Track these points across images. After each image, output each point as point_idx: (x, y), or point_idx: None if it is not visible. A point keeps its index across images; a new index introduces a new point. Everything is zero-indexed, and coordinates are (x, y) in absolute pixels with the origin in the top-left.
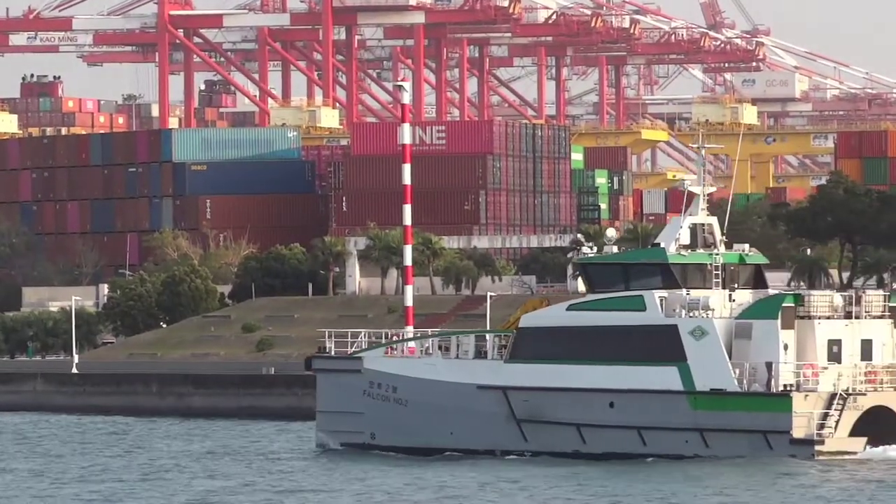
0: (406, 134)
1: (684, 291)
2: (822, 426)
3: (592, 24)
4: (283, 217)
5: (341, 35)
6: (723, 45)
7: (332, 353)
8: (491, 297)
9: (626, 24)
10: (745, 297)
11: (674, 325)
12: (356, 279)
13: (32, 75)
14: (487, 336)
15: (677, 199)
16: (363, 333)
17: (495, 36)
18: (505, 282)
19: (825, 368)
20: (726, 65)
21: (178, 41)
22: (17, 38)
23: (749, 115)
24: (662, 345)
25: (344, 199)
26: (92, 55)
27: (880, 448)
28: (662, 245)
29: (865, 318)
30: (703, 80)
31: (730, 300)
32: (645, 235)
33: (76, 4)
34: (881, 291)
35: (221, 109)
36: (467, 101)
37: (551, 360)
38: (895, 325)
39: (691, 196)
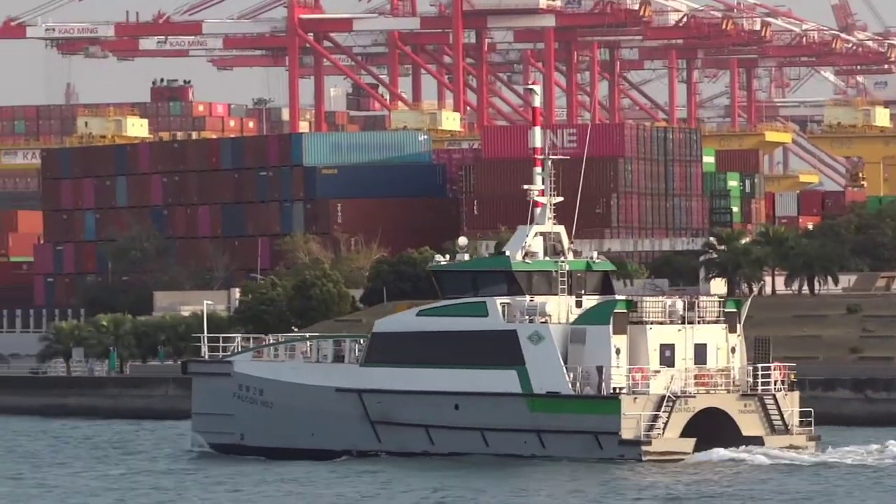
0: (537, 137)
1: (528, 298)
2: (650, 427)
3: (723, 27)
4: (414, 221)
5: (471, 38)
6: (854, 48)
7: (206, 356)
8: None
9: (757, 27)
10: (592, 303)
11: (513, 331)
12: None
13: (163, 80)
14: (346, 341)
15: (810, 202)
16: (237, 338)
17: (626, 39)
18: (637, 285)
19: (657, 372)
20: (858, 67)
21: (307, 45)
22: (147, 43)
23: (881, 117)
24: (503, 349)
25: (475, 202)
26: (222, 59)
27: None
28: (508, 253)
29: (699, 323)
30: (834, 83)
31: (577, 307)
32: (778, 238)
33: (206, 8)
34: (716, 297)
35: (352, 113)
36: (598, 104)
37: (402, 363)
38: (729, 330)
39: (538, 205)
